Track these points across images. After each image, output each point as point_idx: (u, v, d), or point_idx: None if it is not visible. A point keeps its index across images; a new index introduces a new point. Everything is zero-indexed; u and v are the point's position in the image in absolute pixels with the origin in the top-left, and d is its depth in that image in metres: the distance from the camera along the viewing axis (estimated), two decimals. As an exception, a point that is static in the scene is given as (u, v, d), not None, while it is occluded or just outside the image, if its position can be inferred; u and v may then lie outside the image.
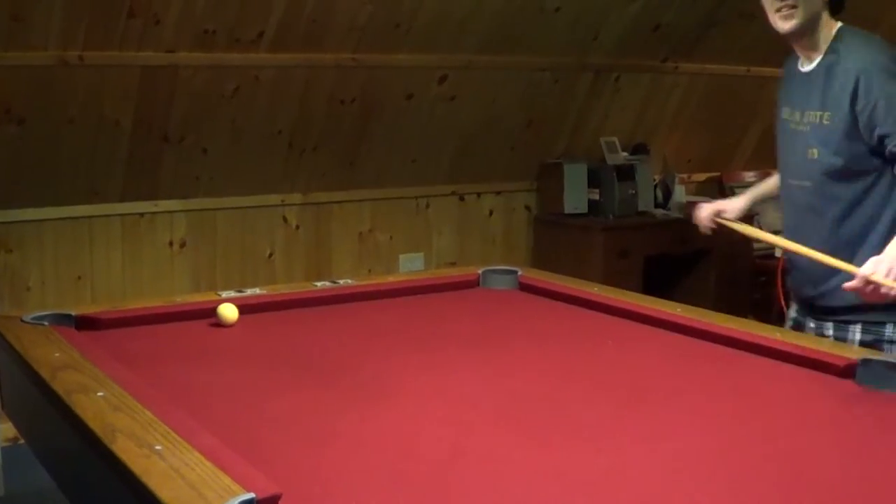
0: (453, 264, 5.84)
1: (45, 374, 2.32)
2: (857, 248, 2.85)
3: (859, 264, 2.67)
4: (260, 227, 5.35)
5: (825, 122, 2.86)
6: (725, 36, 6.02)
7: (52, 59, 4.32)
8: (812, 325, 3.09)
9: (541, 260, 6.00)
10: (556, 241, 6.11)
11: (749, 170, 6.92)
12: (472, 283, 3.56)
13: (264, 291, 3.30)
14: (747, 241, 5.40)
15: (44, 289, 4.81)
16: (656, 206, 6.25)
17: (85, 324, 2.87)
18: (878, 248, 2.71)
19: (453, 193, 5.96)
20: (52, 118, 4.49)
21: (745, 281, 6.28)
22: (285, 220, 5.43)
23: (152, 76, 4.59)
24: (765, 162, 6.57)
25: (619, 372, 2.60)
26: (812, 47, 2.92)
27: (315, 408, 2.27)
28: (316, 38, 4.85)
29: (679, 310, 3.08)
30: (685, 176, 6.61)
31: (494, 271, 3.60)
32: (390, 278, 3.73)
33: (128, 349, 2.69)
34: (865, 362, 2.42)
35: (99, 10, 4.22)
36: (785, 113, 3.04)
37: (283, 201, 5.39)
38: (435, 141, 5.66)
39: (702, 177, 6.93)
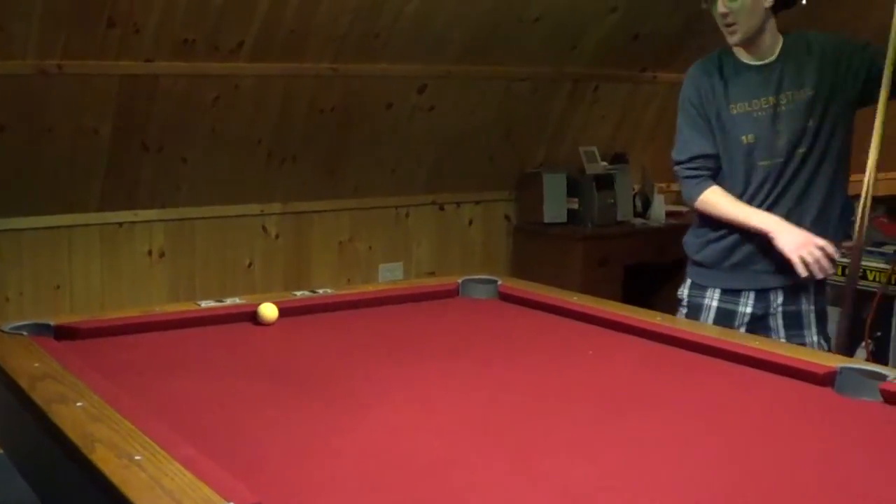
0: (433, 274, 5.84)
1: (23, 384, 2.31)
2: (836, 191, 3.35)
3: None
4: (239, 236, 5.34)
5: (810, 92, 3.27)
6: (704, 46, 6.01)
7: (31, 69, 4.31)
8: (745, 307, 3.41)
9: (520, 269, 6.01)
10: (535, 251, 6.12)
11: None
12: (451, 293, 3.56)
13: (244, 301, 3.29)
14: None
15: (22, 299, 4.79)
16: (636, 215, 6.27)
17: (64, 334, 2.85)
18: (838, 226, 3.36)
19: (433, 203, 5.97)
20: (31, 127, 4.48)
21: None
22: (265, 229, 5.42)
23: (131, 85, 4.58)
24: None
25: (600, 381, 2.61)
26: (761, 48, 3.33)
27: (294, 418, 2.27)
28: (296, 47, 4.85)
29: (659, 318, 3.08)
30: (664, 185, 6.62)
31: (474, 281, 3.60)
32: (370, 288, 3.73)
33: (107, 359, 2.68)
34: (844, 370, 2.44)
35: (78, 19, 4.21)
36: (740, 107, 3.34)
37: (262, 211, 5.39)
38: (414, 150, 5.67)
39: (681, 186, 6.95)
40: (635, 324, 3.02)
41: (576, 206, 6.02)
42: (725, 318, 3.39)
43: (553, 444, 2.12)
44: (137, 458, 1.82)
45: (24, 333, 2.77)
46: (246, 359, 2.80)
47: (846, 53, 3.28)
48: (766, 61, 3.33)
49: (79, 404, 2.14)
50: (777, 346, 2.76)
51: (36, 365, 2.46)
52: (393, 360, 2.76)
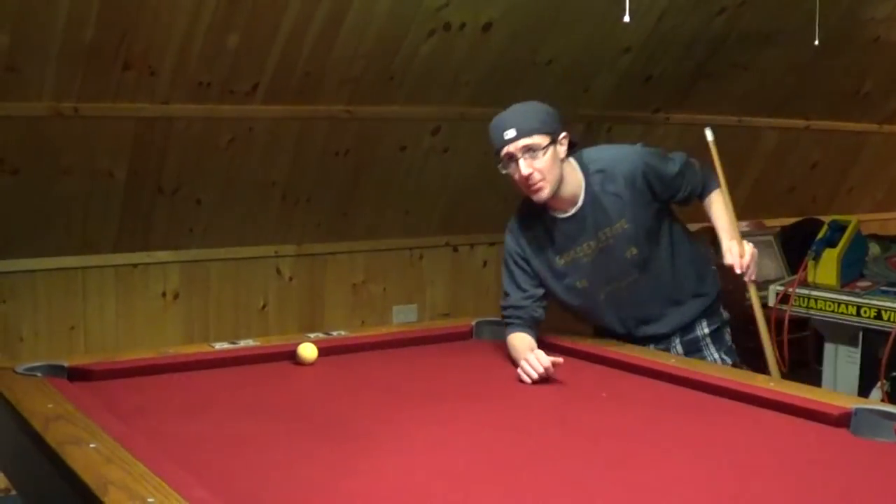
0: (447, 315, 5.83)
1: (37, 425, 2.32)
2: (687, 285, 3.54)
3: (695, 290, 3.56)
4: (253, 278, 5.34)
5: (626, 226, 3.31)
6: (716, 86, 6.05)
7: (47, 110, 4.33)
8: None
9: (534, 311, 5.98)
10: (549, 292, 6.10)
11: (742, 219, 6.91)
12: (465, 335, 3.57)
13: (257, 343, 3.30)
14: (740, 291, 5.39)
15: (37, 339, 4.79)
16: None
17: (78, 375, 2.86)
18: (698, 272, 3.60)
19: (447, 244, 5.96)
20: (47, 169, 4.50)
21: (738, 330, 6.26)
22: (279, 271, 5.43)
23: (147, 127, 4.60)
24: (757, 212, 6.60)
25: (613, 424, 2.60)
26: (565, 196, 3.30)
27: (307, 460, 2.27)
28: (310, 90, 4.87)
29: (672, 360, 3.08)
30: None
31: (488, 323, 3.60)
32: (384, 330, 3.74)
33: (120, 400, 2.68)
34: (860, 411, 2.43)
35: (94, 61, 4.23)
36: (563, 259, 3.38)
37: (276, 252, 5.39)
38: (428, 192, 5.67)
39: (695, 226, 6.93)
40: (649, 365, 3.02)
41: (589, 247, 6.01)
42: None
43: (564, 486, 2.11)
44: (150, 500, 1.82)
45: (39, 374, 2.78)
46: (260, 401, 2.80)
47: (651, 178, 3.35)
48: (576, 209, 3.32)
49: (92, 446, 2.14)
50: (792, 388, 2.75)
51: (50, 406, 2.46)
52: (406, 402, 2.75)
